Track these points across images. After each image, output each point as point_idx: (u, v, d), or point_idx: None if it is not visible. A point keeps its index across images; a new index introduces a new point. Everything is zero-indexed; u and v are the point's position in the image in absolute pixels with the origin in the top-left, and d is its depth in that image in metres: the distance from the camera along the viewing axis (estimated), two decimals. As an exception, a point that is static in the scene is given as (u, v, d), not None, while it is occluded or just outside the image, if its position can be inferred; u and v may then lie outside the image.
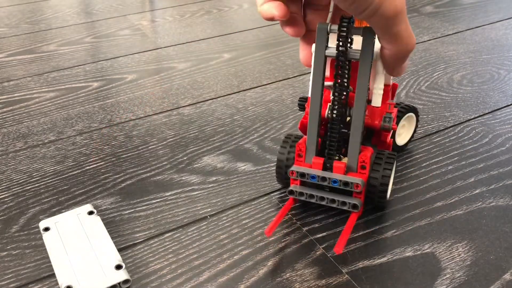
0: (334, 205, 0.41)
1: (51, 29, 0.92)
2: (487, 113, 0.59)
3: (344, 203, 0.40)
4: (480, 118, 0.58)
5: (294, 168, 0.41)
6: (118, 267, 0.37)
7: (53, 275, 0.37)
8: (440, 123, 0.57)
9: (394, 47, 0.33)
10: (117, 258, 0.37)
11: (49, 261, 0.38)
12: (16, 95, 0.67)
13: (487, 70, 0.70)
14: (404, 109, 0.49)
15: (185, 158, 0.52)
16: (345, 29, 0.35)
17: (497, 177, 0.47)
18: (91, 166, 0.51)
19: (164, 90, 0.67)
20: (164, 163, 0.51)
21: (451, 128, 0.56)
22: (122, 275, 0.36)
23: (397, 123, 0.47)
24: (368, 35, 0.35)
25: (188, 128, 0.57)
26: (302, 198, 0.41)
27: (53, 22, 0.96)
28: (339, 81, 0.38)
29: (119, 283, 0.36)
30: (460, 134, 0.55)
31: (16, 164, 0.51)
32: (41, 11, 1.03)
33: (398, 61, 0.35)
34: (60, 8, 1.05)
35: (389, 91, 0.43)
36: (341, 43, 0.36)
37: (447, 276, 0.37)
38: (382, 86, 0.40)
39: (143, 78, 0.70)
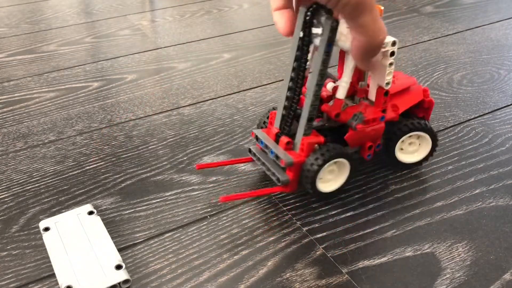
0: (268, 174, 0.43)
1: (51, 29, 0.92)
2: (487, 113, 0.59)
3: (273, 174, 0.42)
4: (480, 118, 0.58)
5: (255, 131, 0.44)
6: (118, 267, 0.37)
7: (53, 275, 0.37)
8: (440, 123, 0.57)
9: (361, 38, 0.34)
10: (117, 258, 0.37)
11: (49, 261, 0.38)
12: (16, 95, 0.67)
13: (487, 70, 0.70)
14: (413, 126, 0.45)
15: (185, 158, 0.52)
16: (308, 14, 0.37)
17: (497, 177, 0.47)
18: (91, 166, 0.51)
19: (164, 90, 0.67)
20: (164, 163, 0.51)
21: (451, 128, 0.56)
22: (122, 275, 0.36)
23: (399, 137, 0.46)
24: (326, 21, 0.36)
25: (188, 128, 0.57)
26: (254, 159, 0.45)
27: (53, 22, 0.96)
28: (295, 63, 0.39)
29: (119, 283, 0.36)
30: (460, 134, 0.55)
31: (16, 164, 0.51)
32: (41, 11, 1.03)
33: (365, 53, 0.35)
34: (60, 8, 1.05)
35: (382, 93, 0.42)
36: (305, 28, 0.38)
37: (447, 276, 0.37)
38: (348, 80, 0.40)
39: (143, 78, 0.70)
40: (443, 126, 0.56)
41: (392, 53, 0.40)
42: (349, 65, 0.40)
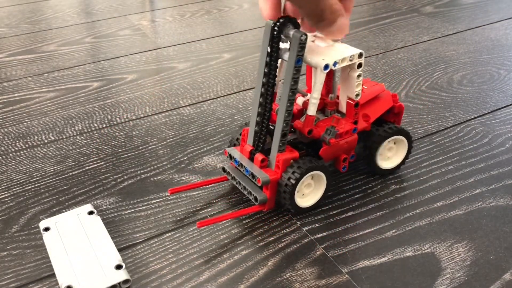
0: (245, 193, 0.42)
1: (51, 29, 0.92)
2: (487, 113, 0.59)
3: (250, 193, 0.41)
4: (480, 118, 0.58)
5: (228, 149, 0.44)
6: (118, 267, 0.37)
7: (53, 275, 0.37)
8: (440, 123, 0.57)
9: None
10: (117, 258, 0.37)
11: (49, 261, 0.38)
12: (16, 95, 0.67)
13: (487, 70, 0.70)
14: (391, 131, 0.45)
15: (185, 158, 0.52)
16: (276, 28, 0.36)
17: (497, 177, 0.47)
18: (91, 166, 0.51)
19: (164, 90, 0.67)
20: (164, 163, 0.51)
21: (451, 128, 0.56)
22: (122, 275, 0.36)
23: (380, 144, 0.45)
24: (295, 35, 0.35)
25: (188, 128, 0.57)
26: (229, 178, 0.44)
27: (53, 22, 0.96)
28: (265, 78, 0.39)
29: (119, 283, 0.36)
30: (460, 134, 0.55)
31: (16, 164, 0.51)
32: (41, 11, 1.03)
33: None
34: (60, 8, 1.05)
35: (352, 105, 0.42)
36: (273, 43, 0.37)
37: (447, 276, 0.37)
38: (317, 96, 0.39)
39: (143, 78, 0.70)
40: (443, 126, 0.56)
41: (360, 65, 0.40)
42: (318, 80, 0.38)
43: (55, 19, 0.98)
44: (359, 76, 0.40)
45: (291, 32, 0.36)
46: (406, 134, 0.46)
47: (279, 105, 0.39)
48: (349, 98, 0.42)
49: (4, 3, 1.08)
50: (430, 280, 0.36)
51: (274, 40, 0.37)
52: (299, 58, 0.36)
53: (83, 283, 0.35)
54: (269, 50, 0.37)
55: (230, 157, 0.43)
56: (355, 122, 0.43)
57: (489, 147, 0.52)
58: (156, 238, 0.41)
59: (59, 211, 0.44)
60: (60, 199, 0.46)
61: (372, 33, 0.85)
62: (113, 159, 0.52)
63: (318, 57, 0.38)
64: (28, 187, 0.48)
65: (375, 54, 0.76)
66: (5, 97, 0.66)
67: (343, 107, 0.43)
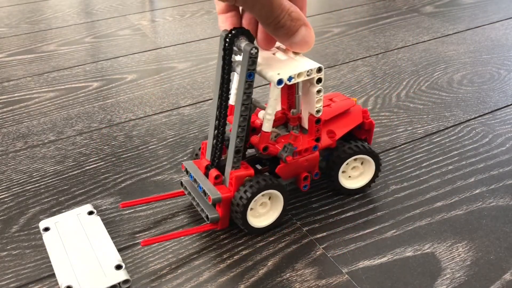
0: (198, 210, 0.41)
1: (51, 29, 0.92)
2: (487, 113, 0.59)
3: (203, 210, 0.40)
4: (480, 118, 0.58)
5: (185, 163, 0.42)
6: (118, 267, 0.37)
7: (53, 275, 0.37)
8: (440, 123, 0.57)
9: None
10: (117, 258, 0.37)
11: (49, 261, 0.38)
12: (16, 95, 0.67)
13: (487, 70, 0.70)
14: (354, 150, 0.43)
15: (185, 158, 0.52)
16: (227, 40, 0.34)
17: (497, 177, 0.47)
18: (91, 166, 0.51)
19: (164, 90, 0.67)
20: (164, 163, 0.51)
21: (451, 128, 0.56)
22: (122, 275, 0.36)
23: (342, 162, 0.43)
24: (245, 48, 0.34)
25: (188, 128, 0.57)
26: (186, 193, 0.43)
27: (53, 22, 0.96)
28: (220, 91, 0.37)
29: (119, 283, 0.36)
30: (460, 134, 0.55)
31: (16, 164, 0.51)
32: (41, 11, 1.03)
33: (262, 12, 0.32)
34: (60, 8, 1.04)
35: (314, 121, 0.40)
36: (225, 55, 0.35)
37: (447, 276, 0.37)
38: (272, 112, 0.37)
39: (143, 78, 0.70)
40: (443, 126, 0.56)
41: (319, 80, 0.38)
42: (272, 96, 0.36)
43: (55, 19, 0.98)
44: (319, 91, 0.38)
45: (243, 44, 0.34)
46: (373, 155, 0.43)
47: (233, 120, 0.37)
48: (311, 114, 0.40)
49: (4, 3, 1.08)
50: (430, 280, 0.36)
51: (226, 52, 0.35)
52: (251, 72, 0.35)
53: (83, 283, 0.35)
54: (221, 62, 0.36)
55: (187, 171, 0.42)
56: (317, 139, 0.40)
57: (489, 147, 0.52)
58: (156, 238, 0.41)
59: (59, 211, 0.44)
60: (60, 199, 0.46)
61: (372, 33, 0.85)
62: (113, 159, 0.52)
63: (274, 71, 0.36)
64: (28, 187, 0.48)
65: (375, 54, 0.76)
66: (4, 97, 0.66)
67: (305, 123, 0.41)
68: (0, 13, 1.02)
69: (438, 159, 0.50)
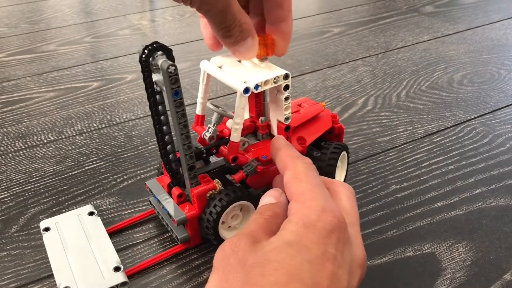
0: (168, 230, 0.40)
1: (51, 29, 0.92)
2: (487, 113, 0.59)
3: (172, 231, 0.39)
4: (480, 118, 0.58)
5: (148, 183, 0.41)
6: (117, 269, 0.37)
7: (52, 275, 0.37)
8: (440, 123, 0.57)
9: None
10: (115, 260, 0.37)
11: (49, 262, 0.38)
12: (15, 95, 0.67)
13: (487, 70, 0.70)
14: (338, 150, 0.42)
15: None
16: (143, 57, 0.32)
17: (498, 177, 0.47)
18: (91, 166, 0.51)
19: (164, 90, 0.67)
20: (164, 163, 0.51)
21: (451, 128, 0.56)
22: (120, 277, 0.36)
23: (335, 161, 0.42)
24: (162, 66, 0.31)
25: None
26: (155, 212, 0.41)
27: (52, 22, 0.96)
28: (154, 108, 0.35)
29: (117, 285, 0.36)
30: (460, 134, 0.54)
31: (16, 164, 0.51)
32: (40, 11, 1.03)
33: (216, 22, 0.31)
34: (60, 8, 1.04)
35: (283, 129, 0.39)
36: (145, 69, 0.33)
37: (448, 276, 0.37)
38: (239, 121, 0.36)
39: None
40: (444, 126, 0.56)
41: (286, 87, 0.37)
42: (239, 104, 0.35)
43: (55, 18, 0.98)
44: (287, 98, 0.37)
45: (159, 62, 0.31)
46: (344, 148, 0.44)
47: (176, 142, 0.35)
48: (279, 122, 0.39)
49: (4, 3, 1.08)
50: (430, 280, 0.36)
51: (145, 73, 0.33)
52: (176, 91, 0.32)
53: (80, 285, 0.35)
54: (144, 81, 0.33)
55: (151, 192, 0.40)
56: None
57: (489, 147, 0.52)
58: (156, 238, 0.41)
59: (59, 211, 0.44)
60: (59, 199, 0.46)
61: (372, 32, 0.85)
62: (112, 159, 0.52)
63: (240, 79, 0.35)
64: (28, 187, 0.48)
65: (375, 54, 0.76)
66: (4, 97, 0.66)
67: (274, 131, 0.40)
68: (0, 13, 1.02)
69: (438, 159, 0.50)
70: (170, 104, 0.33)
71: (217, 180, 0.38)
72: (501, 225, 0.41)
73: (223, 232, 0.38)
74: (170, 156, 0.37)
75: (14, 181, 0.49)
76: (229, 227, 0.39)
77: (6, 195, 0.47)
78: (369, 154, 0.51)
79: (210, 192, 0.37)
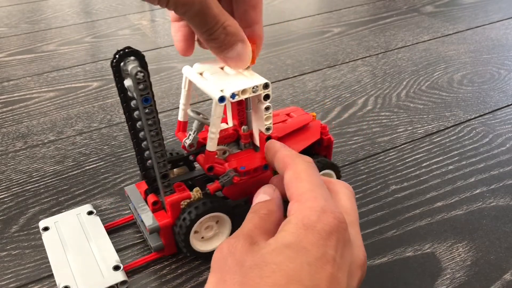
0: (144, 237, 0.39)
1: (51, 29, 0.92)
2: (487, 113, 0.59)
3: (147, 239, 0.39)
4: (480, 118, 0.58)
5: (127, 188, 0.40)
6: (116, 268, 0.37)
7: (52, 275, 0.37)
8: (440, 123, 0.57)
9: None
10: (115, 259, 0.37)
11: (49, 261, 0.38)
12: (15, 95, 0.67)
13: (487, 70, 0.70)
14: (319, 165, 0.40)
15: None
16: (114, 62, 0.31)
17: (498, 177, 0.47)
18: (90, 166, 0.51)
19: (164, 90, 0.67)
20: (164, 163, 0.51)
21: (451, 128, 0.56)
22: (120, 276, 0.36)
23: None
24: (131, 72, 0.30)
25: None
26: (134, 219, 0.41)
27: (52, 21, 0.96)
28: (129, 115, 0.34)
29: (116, 284, 0.36)
30: (460, 134, 0.54)
31: (16, 164, 0.51)
32: (41, 11, 1.03)
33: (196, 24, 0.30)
34: (60, 8, 1.04)
35: (264, 139, 0.37)
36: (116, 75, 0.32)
37: (448, 276, 0.37)
38: (215, 130, 0.35)
39: (143, 78, 0.70)
40: (444, 126, 0.56)
41: (267, 97, 0.35)
42: (214, 113, 0.34)
43: (55, 18, 0.98)
44: (267, 108, 0.36)
45: (129, 68, 0.31)
46: (335, 168, 0.42)
47: (150, 150, 0.34)
48: (261, 132, 0.37)
49: (4, 3, 1.08)
50: (430, 280, 0.36)
51: (116, 79, 0.32)
52: (146, 97, 0.31)
53: (80, 284, 0.35)
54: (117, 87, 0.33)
55: (129, 198, 0.40)
56: None
57: (489, 147, 0.52)
58: (155, 238, 0.41)
59: (59, 211, 0.44)
60: (59, 199, 0.46)
61: (372, 32, 0.85)
62: (112, 159, 0.52)
63: (217, 87, 0.34)
64: (28, 187, 0.48)
65: (375, 54, 0.76)
66: (4, 97, 0.66)
67: (256, 140, 0.39)
68: (0, 12, 1.02)
69: (438, 159, 0.50)
70: (141, 111, 0.32)
71: (197, 188, 0.37)
72: (501, 225, 0.41)
73: (195, 242, 0.37)
74: (146, 163, 0.36)
75: (14, 181, 0.49)
76: (203, 237, 0.38)
77: (6, 195, 0.47)
78: (369, 154, 0.51)
79: (185, 201, 0.36)
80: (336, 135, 0.55)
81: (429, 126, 0.56)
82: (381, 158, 0.50)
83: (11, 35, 0.89)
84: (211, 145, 0.36)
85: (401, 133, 0.55)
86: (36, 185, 0.48)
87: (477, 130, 0.55)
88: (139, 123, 0.34)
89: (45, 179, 0.49)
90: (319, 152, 0.44)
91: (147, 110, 0.32)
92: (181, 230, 0.36)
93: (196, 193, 0.37)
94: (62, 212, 0.44)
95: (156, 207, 0.37)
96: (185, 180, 0.40)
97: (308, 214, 0.26)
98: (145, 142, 0.35)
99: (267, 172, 0.38)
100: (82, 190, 0.47)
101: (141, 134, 0.35)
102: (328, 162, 0.41)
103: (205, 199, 0.36)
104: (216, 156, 0.38)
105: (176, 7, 0.28)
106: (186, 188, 0.37)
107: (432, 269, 0.37)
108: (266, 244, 0.26)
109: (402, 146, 0.53)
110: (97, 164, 0.51)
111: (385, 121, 0.58)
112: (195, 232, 0.37)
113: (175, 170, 0.41)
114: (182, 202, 0.36)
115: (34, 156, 0.52)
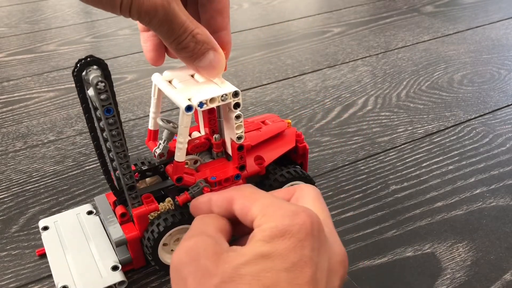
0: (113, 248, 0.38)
1: (51, 29, 0.92)
2: (487, 113, 0.59)
3: (115, 251, 0.38)
4: (480, 118, 0.58)
5: (96, 198, 0.40)
6: (115, 268, 0.36)
7: (52, 275, 0.37)
8: (440, 123, 0.57)
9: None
10: (113, 259, 0.37)
11: (49, 261, 0.38)
12: (15, 95, 0.67)
13: (487, 70, 0.70)
14: (287, 177, 0.38)
15: (185, 158, 0.51)
16: (75, 70, 0.30)
17: (498, 177, 0.47)
18: (90, 166, 0.51)
19: (164, 90, 0.66)
20: (164, 163, 0.51)
21: (451, 128, 0.56)
22: (118, 276, 0.36)
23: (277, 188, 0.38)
24: (92, 81, 0.29)
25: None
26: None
27: (52, 21, 0.96)
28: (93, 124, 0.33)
29: (114, 284, 0.35)
30: (460, 134, 0.54)
31: (16, 164, 0.51)
32: (40, 11, 1.03)
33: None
34: (60, 8, 1.04)
35: (236, 148, 0.36)
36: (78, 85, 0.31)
37: (448, 276, 0.37)
38: (183, 140, 0.34)
39: (143, 78, 0.70)
40: (444, 126, 0.56)
41: (237, 105, 0.34)
42: (181, 123, 0.33)
43: (55, 18, 0.98)
44: (238, 117, 0.35)
45: (90, 77, 0.29)
46: (308, 180, 0.40)
47: (115, 161, 0.33)
48: (232, 140, 0.36)
49: (4, 3, 1.08)
50: (430, 280, 0.36)
51: (77, 88, 0.31)
52: (108, 108, 0.30)
53: (78, 284, 0.35)
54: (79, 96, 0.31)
55: (98, 209, 0.39)
56: (242, 167, 0.37)
57: (489, 147, 0.52)
58: (155, 238, 0.41)
59: (59, 211, 0.44)
60: (59, 199, 0.46)
61: (373, 32, 0.85)
62: (112, 159, 0.52)
63: (184, 96, 0.33)
64: (28, 187, 0.48)
65: (375, 54, 0.76)
66: (4, 97, 0.66)
67: (229, 149, 0.37)
68: (0, 12, 1.02)
69: (438, 159, 0.50)
70: (104, 121, 0.31)
71: (169, 198, 0.36)
72: (501, 225, 0.41)
73: (164, 255, 0.36)
74: (114, 174, 0.35)
75: (14, 181, 0.49)
76: (172, 250, 0.37)
77: (6, 195, 0.47)
78: (369, 154, 0.51)
79: (154, 212, 0.35)
80: (336, 135, 0.55)
81: (429, 126, 0.56)
82: (381, 158, 0.50)
83: (11, 35, 0.89)
84: (179, 155, 0.34)
85: (401, 133, 0.55)
86: (36, 185, 0.48)
87: (477, 130, 0.55)
88: (105, 133, 0.32)
89: (45, 179, 0.49)
90: (295, 160, 0.42)
91: (110, 121, 0.31)
92: (149, 242, 0.35)
93: (167, 203, 0.36)
94: (61, 212, 0.44)
95: (124, 219, 0.36)
96: (157, 190, 0.38)
97: (281, 219, 0.25)
98: (111, 153, 0.34)
99: (239, 182, 0.37)
100: (82, 190, 0.47)
101: (108, 144, 0.33)
102: (297, 174, 0.39)
103: (174, 211, 0.35)
104: (187, 166, 0.37)
105: (140, 16, 0.27)
106: (154, 200, 0.36)
107: (432, 269, 0.37)
108: (238, 254, 0.24)
109: (402, 146, 0.52)
110: (97, 164, 0.51)
111: (385, 121, 0.58)
112: (164, 244, 0.35)
113: (147, 179, 0.39)
114: (151, 214, 0.35)
115: (34, 156, 0.52)
